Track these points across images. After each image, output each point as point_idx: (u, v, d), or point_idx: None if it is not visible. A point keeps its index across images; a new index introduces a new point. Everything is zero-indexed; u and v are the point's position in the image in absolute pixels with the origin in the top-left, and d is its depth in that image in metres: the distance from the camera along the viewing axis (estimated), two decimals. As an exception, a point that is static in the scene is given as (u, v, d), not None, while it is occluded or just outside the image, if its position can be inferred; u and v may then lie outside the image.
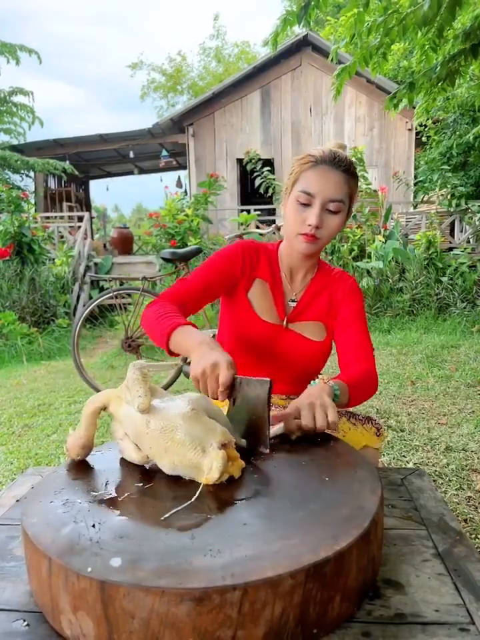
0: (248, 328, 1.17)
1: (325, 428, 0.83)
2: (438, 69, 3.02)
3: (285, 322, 1.18)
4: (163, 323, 0.98)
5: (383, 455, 2.14)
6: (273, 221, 8.39)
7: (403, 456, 2.15)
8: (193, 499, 0.67)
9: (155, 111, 22.67)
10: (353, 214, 1.19)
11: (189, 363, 0.88)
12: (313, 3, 2.50)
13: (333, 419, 0.83)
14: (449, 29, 2.64)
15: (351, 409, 1.14)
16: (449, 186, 7.49)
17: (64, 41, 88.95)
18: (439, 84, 3.17)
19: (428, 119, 7.21)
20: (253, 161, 6.97)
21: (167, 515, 0.63)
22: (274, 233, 3.44)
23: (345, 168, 1.06)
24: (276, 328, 1.17)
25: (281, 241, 1.24)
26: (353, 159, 6.50)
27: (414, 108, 3.82)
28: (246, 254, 1.18)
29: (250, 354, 1.17)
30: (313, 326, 1.18)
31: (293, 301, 1.20)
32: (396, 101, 3.34)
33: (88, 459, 0.83)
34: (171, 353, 0.97)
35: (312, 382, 0.98)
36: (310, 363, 1.17)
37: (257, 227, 6.36)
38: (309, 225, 1.05)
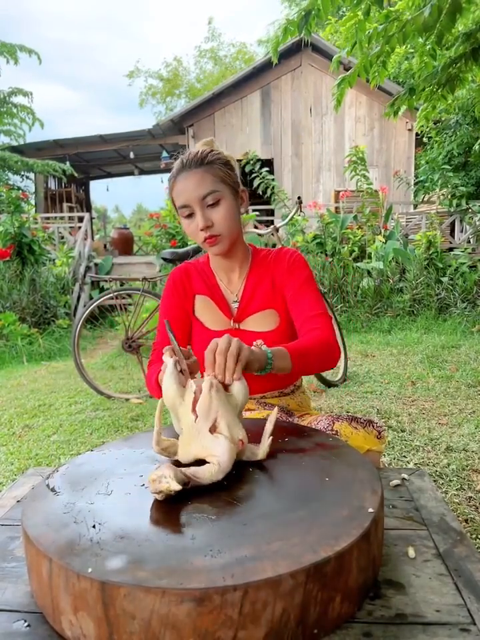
0: (203, 343, 1.14)
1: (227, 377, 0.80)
2: (438, 74, 3.01)
3: (231, 323, 1.18)
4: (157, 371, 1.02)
5: (384, 455, 2.13)
6: (271, 222, 8.39)
7: (404, 456, 2.14)
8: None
9: (154, 116, 22.77)
10: (243, 189, 1.16)
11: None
12: (313, 12, 2.49)
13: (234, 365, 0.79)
14: (448, 35, 2.63)
15: (352, 413, 1.13)
16: (449, 186, 7.49)
17: (62, 45, 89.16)
18: (439, 90, 3.16)
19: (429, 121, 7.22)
20: (251, 162, 6.98)
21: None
22: (272, 234, 3.43)
23: (197, 163, 1.07)
24: (226, 332, 1.16)
25: None
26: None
27: (416, 109, 3.82)
28: (177, 279, 1.22)
29: None
30: (262, 316, 1.18)
31: (235, 301, 1.21)
32: (396, 107, 3.33)
33: (88, 459, 0.83)
34: None
35: (254, 343, 0.92)
36: None
37: (255, 227, 6.36)
38: (201, 230, 1.08)
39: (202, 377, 0.84)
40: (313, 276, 1.20)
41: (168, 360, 0.82)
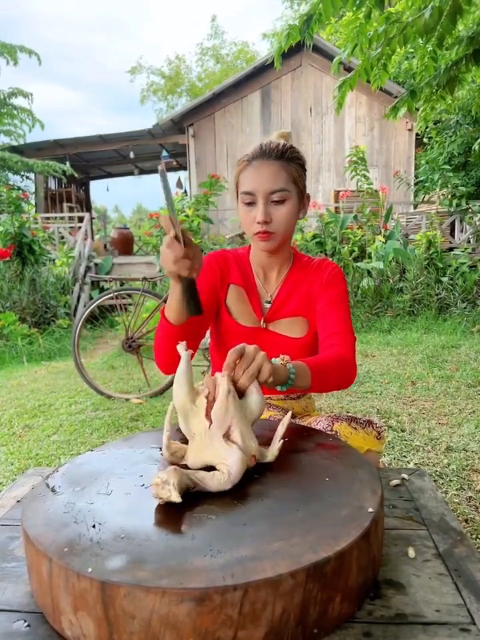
0: (228, 335, 1.16)
1: (244, 386, 0.78)
2: (440, 76, 3.01)
3: (262, 322, 1.17)
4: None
5: (384, 455, 2.14)
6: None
7: (404, 456, 2.14)
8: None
9: (155, 114, 22.84)
10: (308, 195, 1.15)
11: None
12: (314, 17, 2.49)
13: (258, 378, 0.79)
14: (448, 37, 2.62)
15: (352, 413, 1.13)
16: (449, 186, 7.49)
17: (62, 45, 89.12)
18: (438, 91, 3.16)
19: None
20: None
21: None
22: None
23: (277, 155, 1.05)
24: (254, 330, 1.16)
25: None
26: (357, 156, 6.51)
27: (417, 109, 3.82)
28: (214, 262, 1.19)
29: None
30: (292, 323, 1.17)
31: (268, 301, 1.20)
32: (397, 110, 3.34)
33: (88, 459, 0.83)
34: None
35: (274, 359, 0.89)
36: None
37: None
38: (258, 223, 1.06)
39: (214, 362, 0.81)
40: (348, 294, 1.19)
41: (183, 353, 0.78)
